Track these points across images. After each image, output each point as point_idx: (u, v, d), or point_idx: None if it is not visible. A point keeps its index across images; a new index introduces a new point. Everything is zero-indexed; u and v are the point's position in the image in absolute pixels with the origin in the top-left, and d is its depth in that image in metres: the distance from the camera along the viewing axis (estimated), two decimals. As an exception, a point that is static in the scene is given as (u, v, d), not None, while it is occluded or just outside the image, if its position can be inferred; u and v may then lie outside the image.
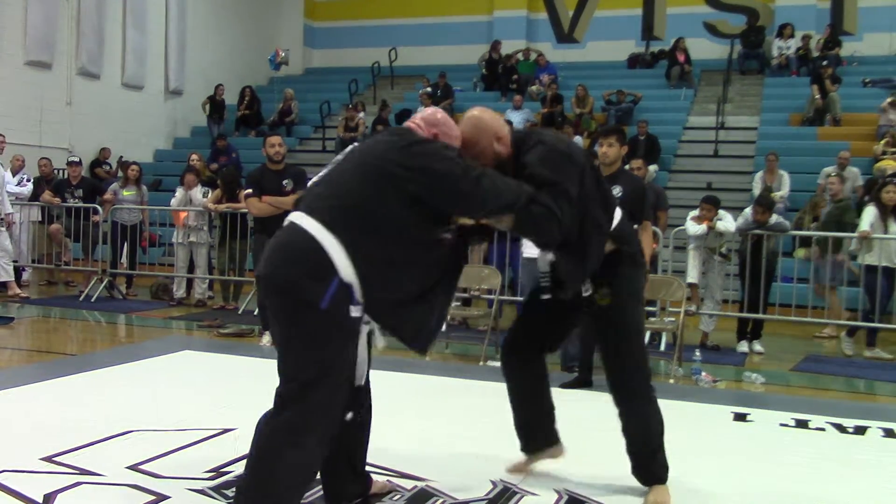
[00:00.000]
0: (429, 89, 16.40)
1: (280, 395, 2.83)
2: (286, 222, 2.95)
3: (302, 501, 2.90)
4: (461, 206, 2.96)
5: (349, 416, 3.09)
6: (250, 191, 7.16)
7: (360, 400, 3.16)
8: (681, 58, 16.63)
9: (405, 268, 2.91)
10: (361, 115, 15.57)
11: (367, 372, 3.14)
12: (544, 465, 3.89)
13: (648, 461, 3.43)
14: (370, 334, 3.06)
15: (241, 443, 3.96)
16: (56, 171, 11.89)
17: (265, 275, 2.86)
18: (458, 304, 7.60)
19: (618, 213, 3.40)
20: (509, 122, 3.48)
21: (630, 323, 3.41)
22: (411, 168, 2.85)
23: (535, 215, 3.00)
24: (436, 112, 3.21)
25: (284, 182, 7.08)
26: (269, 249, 2.89)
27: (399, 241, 2.87)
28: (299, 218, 2.87)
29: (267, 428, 2.84)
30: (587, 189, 3.18)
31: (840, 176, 9.55)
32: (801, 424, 5.01)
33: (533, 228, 3.11)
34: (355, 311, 2.82)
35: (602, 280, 3.31)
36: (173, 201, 10.02)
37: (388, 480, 3.53)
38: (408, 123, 3.17)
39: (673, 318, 7.36)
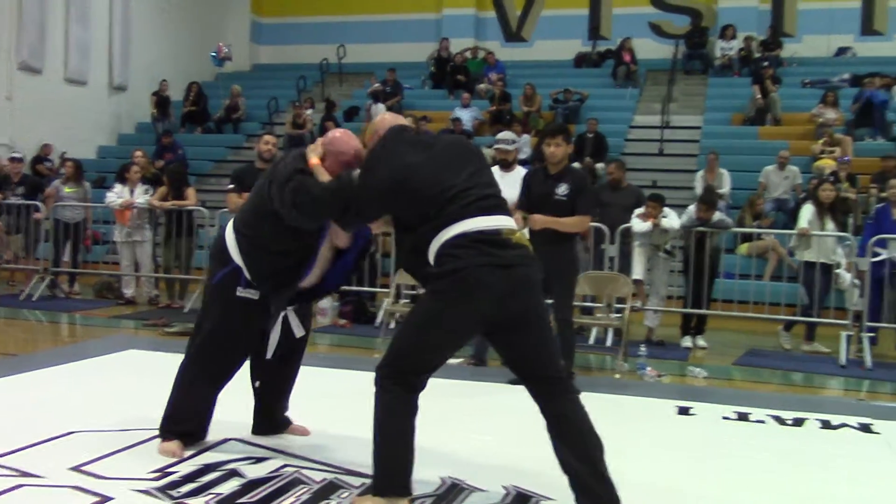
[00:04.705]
0: (378, 85, 16.37)
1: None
2: None
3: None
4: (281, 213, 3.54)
5: (256, 384, 4.10)
6: (232, 186, 7.14)
7: (270, 371, 4.05)
8: (626, 57, 16.83)
9: (273, 258, 3.67)
10: (309, 112, 15.47)
11: (302, 349, 4.10)
12: (492, 461, 3.93)
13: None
14: (287, 321, 3.89)
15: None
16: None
17: None
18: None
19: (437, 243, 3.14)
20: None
21: (415, 313, 3.23)
22: (269, 183, 3.61)
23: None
24: (331, 133, 3.78)
25: None
26: None
27: (269, 237, 3.64)
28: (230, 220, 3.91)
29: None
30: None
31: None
32: (743, 417, 5.13)
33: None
34: (242, 292, 3.72)
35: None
36: (110, 196, 9.81)
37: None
38: None
39: (619, 315, 7.46)
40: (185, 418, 3.87)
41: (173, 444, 3.81)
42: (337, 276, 3.93)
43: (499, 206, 3.27)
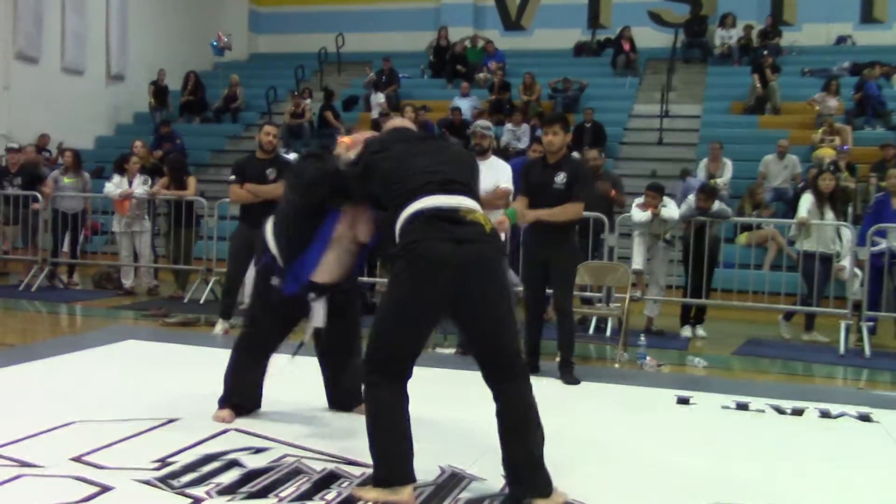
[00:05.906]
0: (372, 76, 16.33)
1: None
2: None
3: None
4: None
5: (321, 357, 4.41)
6: (234, 177, 7.08)
7: (329, 344, 4.33)
8: (626, 46, 16.78)
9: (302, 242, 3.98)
10: (308, 101, 15.44)
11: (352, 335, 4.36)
12: (491, 450, 3.93)
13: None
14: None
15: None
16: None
17: None
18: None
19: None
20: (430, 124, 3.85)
21: (381, 304, 3.34)
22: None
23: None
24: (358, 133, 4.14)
25: (268, 171, 6.91)
26: None
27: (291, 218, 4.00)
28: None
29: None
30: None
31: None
32: (742, 407, 5.13)
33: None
34: (276, 282, 4.05)
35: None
36: (109, 186, 9.78)
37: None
38: None
39: (618, 304, 7.46)
40: (235, 392, 4.33)
41: (224, 412, 4.27)
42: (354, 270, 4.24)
43: (462, 191, 3.34)
